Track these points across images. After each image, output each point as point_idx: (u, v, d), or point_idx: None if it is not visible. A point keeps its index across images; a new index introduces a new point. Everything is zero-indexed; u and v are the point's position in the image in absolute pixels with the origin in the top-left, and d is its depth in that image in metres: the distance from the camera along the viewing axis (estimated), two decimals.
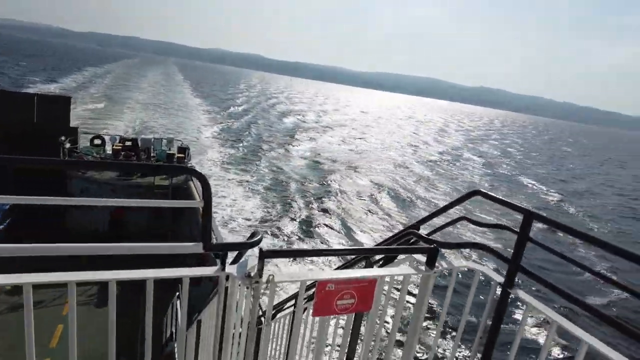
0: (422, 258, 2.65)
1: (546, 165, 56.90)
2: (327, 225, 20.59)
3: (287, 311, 4.03)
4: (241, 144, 35.98)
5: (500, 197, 2.68)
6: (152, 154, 19.32)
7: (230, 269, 2.18)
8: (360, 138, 55.09)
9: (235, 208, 20.63)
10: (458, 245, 3.02)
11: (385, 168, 35.87)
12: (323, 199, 24.07)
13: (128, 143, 18.72)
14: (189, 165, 20.28)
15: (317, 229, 20.10)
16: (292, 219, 20.49)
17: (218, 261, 2.21)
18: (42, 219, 16.30)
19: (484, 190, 2.82)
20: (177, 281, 2.08)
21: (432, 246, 2.50)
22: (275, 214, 20.74)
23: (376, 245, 2.84)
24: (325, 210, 22.39)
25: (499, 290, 2.58)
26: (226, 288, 2.19)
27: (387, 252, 2.92)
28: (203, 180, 1.99)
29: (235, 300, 2.21)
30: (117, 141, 18.66)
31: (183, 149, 19.86)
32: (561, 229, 2.26)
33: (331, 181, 28.07)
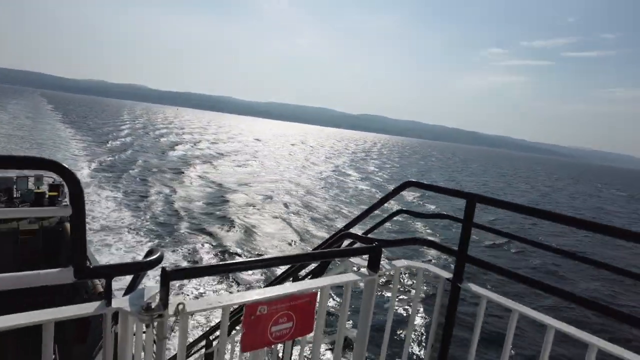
0: (361, 261, 2.36)
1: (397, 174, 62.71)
2: (243, 244, 19.46)
3: (206, 350, 3.31)
4: (126, 178, 32.84)
5: (437, 185, 2.54)
6: (14, 195, 16.41)
7: (120, 302, 1.47)
8: (255, 163, 54.70)
9: (125, 251, 18.21)
10: (402, 242, 2.78)
11: (286, 187, 35.94)
12: (231, 221, 22.87)
13: None
14: (64, 204, 17.64)
15: (232, 248, 18.72)
16: (195, 249, 18.80)
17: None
18: None
19: (417, 180, 2.68)
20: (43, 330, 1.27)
21: (374, 245, 2.21)
22: (174, 247, 18.90)
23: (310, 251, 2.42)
24: (235, 229, 21.29)
25: (448, 286, 2.41)
26: (115, 333, 1.50)
27: (325, 256, 2.38)
28: (69, 175, 1.25)
29: (131, 346, 1.47)
30: None
31: (56, 187, 17.24)
32: (506, 207, 2.18)
33: (235, 205, 26.94)
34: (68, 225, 15.41)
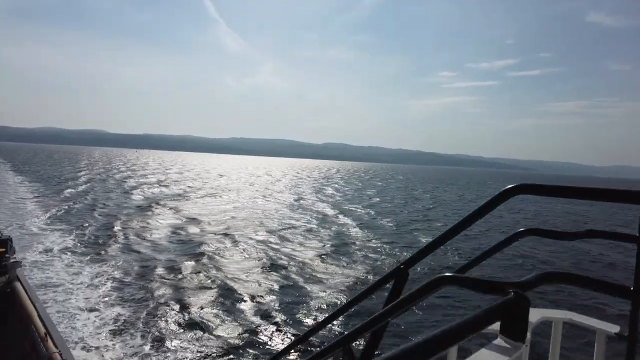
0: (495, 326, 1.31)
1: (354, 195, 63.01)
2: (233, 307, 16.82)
3: None
4: (87, 228, 30.18)
5: (588, 187, 1.61)
6: None
7: None
8: (225, 198, 52.75)
9: (89, 314, 15.73)
10: (541, 280, 1.66)
11: (255, 218, 34.25)
12: (212, 272, 20.79)
13: None
14: (12, 260, 15.45)
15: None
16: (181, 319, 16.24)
17: None
18: None
19: (534, 183, 1.85)
20: None
21: (511, 295, 1.21)
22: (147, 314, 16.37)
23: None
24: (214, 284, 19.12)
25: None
26: None
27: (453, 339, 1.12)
28: None
29: None
30: None
31: (3, 242, 15.12)
32: None
33: (217, 246, 24.97)
34: (20, 285, 13.32)
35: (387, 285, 2.22)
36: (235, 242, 27.47)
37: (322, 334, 13.60)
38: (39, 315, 11.61)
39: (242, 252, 25.14)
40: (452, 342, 1.08)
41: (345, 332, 2.01)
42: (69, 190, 53.03)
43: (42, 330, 10.75)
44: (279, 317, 16.18)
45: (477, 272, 2.31)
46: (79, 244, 24.68)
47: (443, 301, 16.90)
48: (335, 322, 14.84)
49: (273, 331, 14.84)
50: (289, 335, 14.43)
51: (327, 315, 2.83)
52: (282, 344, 13.95)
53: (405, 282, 2.07)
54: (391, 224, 38.65)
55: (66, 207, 38.80)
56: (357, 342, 2.05)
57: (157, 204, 45.36)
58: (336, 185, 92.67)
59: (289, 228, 33.90)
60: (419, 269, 22.08)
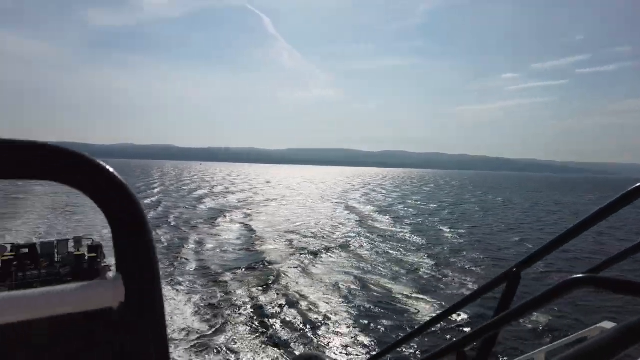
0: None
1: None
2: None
3: None
4: (162, 234, 32.72)
5: None
6: (55, 260, 16.27)
7: None
8: (296, 208, 54.33)
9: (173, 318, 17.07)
10: None
11: (344, 232, 35.04)
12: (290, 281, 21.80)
13: (24, 250, 15.60)
14: (103, 265, 17.39)
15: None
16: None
17: None
18: None
19: None
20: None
21: None
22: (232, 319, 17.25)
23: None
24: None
25: None
26: None
27: None
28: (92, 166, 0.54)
29: None
30: (8, 250, 15.48)
31: (95, 247, 17.10)
32: None
33: (296, 254, 26.13)
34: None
35: (493, 289, 2.13)
36: (316, 246, 28.59)
37: (428, 335, 14.00)
38: None
39: (336, 256, 26.26)
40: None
41: (456, 337, 1.91)
42: (147, 200, 57.68)
43: None
44: (381, 314, 17.00)
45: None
46: (159, 248, 26.92)
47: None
48: (441, 325, 14.58)
49: (377, 328, 15.83)
50: (394, 332, 15.08)
51: (433, 316, 2.81)
52: (387, 341, 14.61)
53: (517, 285, 1.92)
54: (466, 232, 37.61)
55: (153, 213, 42.36)
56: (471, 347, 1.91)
57: (225, 211, 47.98)
58: (392, 194, 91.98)
59: (337, 233, 34.32)
60: (531, 271, 21.95)
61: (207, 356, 13.43)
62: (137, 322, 0.53)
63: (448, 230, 39.96)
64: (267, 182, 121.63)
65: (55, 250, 16.60)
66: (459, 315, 15.75)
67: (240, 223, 40.01)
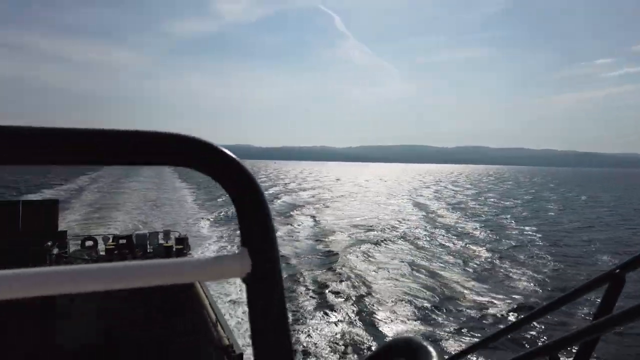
0: None
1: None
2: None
3: None
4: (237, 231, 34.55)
5: None
6: (148, 250, 17.99)
7: None
8: (364, 204, 54.44)
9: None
10: None
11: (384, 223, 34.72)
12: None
13: (122, 241, 17.45)
14: (189, 256, 18.89)
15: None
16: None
17: None
18: (26, 337, 14.66)
19: None
20: None
21: None
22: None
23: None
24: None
25: None
26: None
27: None
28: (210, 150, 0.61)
29: None
30: (110, 240, 17.42)
31: (181, 240, 18.59)
32: None
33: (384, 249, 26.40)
34: (198, 283, 16.24)
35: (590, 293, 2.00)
36: (397, 240, 28.70)
37: (517, 334, 13.90)
38: (210, 304, 14.02)
39: (413, 251, 26.33)
40: None
41: (547, 340, 1.79)
42: (224, 197, 61.16)
43: (214, 317, 13.02)
44: (460, 312, 17.19)
45: None
46: (230, 245, 28.71)
47: None
48: (530, 325, 14.40)
49: (465, 324, 15.89)
50: (481, 329, 15.08)
51: (522, 316, 2.72)
52: (473, 338, 14.68)
53: (621, 288, 1.76)
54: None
55: (223, 210, 45.06)
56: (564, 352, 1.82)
57: (297, 207, 49.37)
58: (468, 192, 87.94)
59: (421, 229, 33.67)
60: (635, 275, 20.46)
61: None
62: (263, 291, 0.58)
63: (519, 227, 37.94)
64: (337, 180, 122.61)
65: (148, 242, 18.25)
66: (547, 317, 14.76)
67: (311, 217, 40.94)
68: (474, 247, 28.94)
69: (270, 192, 72.64)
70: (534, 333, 14.32)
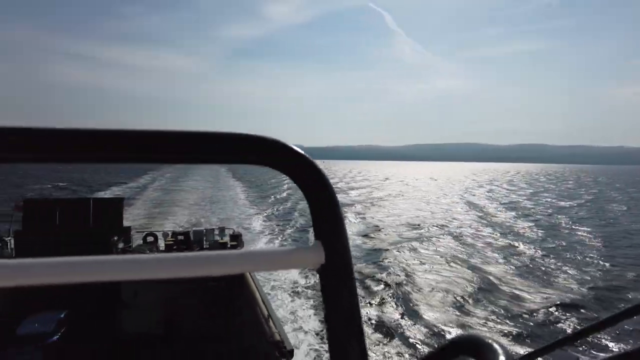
0: None
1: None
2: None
3: None
4: (291, 227, 35.18)
5: None
6: (204, 245, 18.74)
7: None
8: (412, 204, 53.40)
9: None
10: None
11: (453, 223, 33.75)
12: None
13: (180, 237, 18.36)
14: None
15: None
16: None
17: None
18: (95, 323, 15.85)
19: None
20: None
21: None
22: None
23: None
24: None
25: None
26: None
27: None
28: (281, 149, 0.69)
29: None
30: (170, 236, 18.37)
31: (235, 237, 19.19)
32: None
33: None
34: (248, 273, 16.72)
35: None
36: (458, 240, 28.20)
37: (591, 339, 13.64)
38: (262, 300, 14.36)
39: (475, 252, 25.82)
40: None
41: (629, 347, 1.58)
42: (278, 195, 62.47)
43: (265, 312, 13.34)
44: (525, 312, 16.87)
45: None
46: (281, 241, 29.35)
47: None
48: (606, 330, 14.39)
49: (525, 325, 15.72)
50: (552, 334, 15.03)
51: (591, 323, 2.53)
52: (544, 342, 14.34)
53: None
54: None
55: (275, 210, 46.07)
56: None
57: (346, 205, 49.33)
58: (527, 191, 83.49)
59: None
60: None
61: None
62: (335, 281, 0.63)
63: (573, 228, 35.58)
64: (386, 179, 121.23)
65: (204, 238, 18.97)
66: (623, 323, 13.94)
67: (360, 216, 40.76)
68: (523, 247, 28.05)
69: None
70: (609, 339, 13.67)
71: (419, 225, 37.14)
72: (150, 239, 18.22)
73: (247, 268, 0.63)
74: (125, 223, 19.34)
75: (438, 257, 25.21)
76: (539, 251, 27.25)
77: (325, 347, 14.90)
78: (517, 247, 28.41)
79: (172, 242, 17.66)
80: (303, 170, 0.67)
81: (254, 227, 34.79)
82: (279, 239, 30.57)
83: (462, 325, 15.65)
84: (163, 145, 0.58)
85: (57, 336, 14.56)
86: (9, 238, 17.75)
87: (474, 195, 71.20)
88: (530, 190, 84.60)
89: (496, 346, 0.55)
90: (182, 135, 0.57)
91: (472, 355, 0.57)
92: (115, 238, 16.66)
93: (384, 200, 61.16)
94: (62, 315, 15.24)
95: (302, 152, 0.66)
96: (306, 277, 21.16)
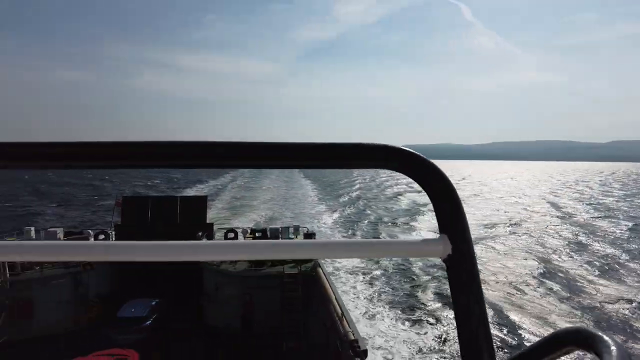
0: None
1: None
2: None
3: None
4: (363, 228, 35.18)
5: None
6: None
7: None
8: (489, 206, 50.61)
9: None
10: None
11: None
12: None
13: (258, 234, 19.37)
14: None
15: None
16: None
17: None
18: (182, 313, 17.47)
19: None
20: None
21: None
22: None
23: None
24: None
25: None
26: None
27: None
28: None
29: None
30: (248, 233, 19.39)
31: (309, 235, 19.70)
32: None
33: None
34: (321, 271, 16.98)
35: None
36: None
37: None
38: (336, 298, 14.53)
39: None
40: None
41: None
42: (346, 197, 62.81)
43: (339, 311, 13.47)
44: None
45: None
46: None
47: None
48: None
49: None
50: None
51: None
52: None
53: None
54: None
55: (345, 210, 46.34)
56: None
57: (420, 206, 47.99)
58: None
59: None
60: None
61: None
62: (463, 273, 0.72)
63: None
64: (462, 179, 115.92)
65: (280, 235, 19.70)
66: None
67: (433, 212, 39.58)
68: (608, 250, 25.42)
69: (389, 192, 72.09)
70: None
71: (489, 224, 35.23)
72: (230, 235, 19.34)
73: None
74: (208, 220, 20.81)
75: (496, 253, 23.94)
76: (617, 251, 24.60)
77: (395, 347, 14.87)
78: (593, 248, 25.64)
79: (251, 239, 18.60)
80: (426, 172, 0.75)
81: (325, 224, 35.37)
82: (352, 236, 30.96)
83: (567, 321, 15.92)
84: (331, 154, 0.74)
85: (150, 321, 16.17)
86: (111, 230, 20.18)
87: (554, 195, 65.52)
88: (624, 192, 75.47)
89: (606, 337, 0.56)
90: (338, 146, 0.72)
91: (580, 346, 0.59)
92: (200, 234, 17.93)
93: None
94: (154, 303, 16.94)
95: (425, 157, 0.74)
96: (370, 284, 21.09)
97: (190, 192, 59.51)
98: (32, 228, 19.23)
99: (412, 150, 0.75)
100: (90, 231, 20.53)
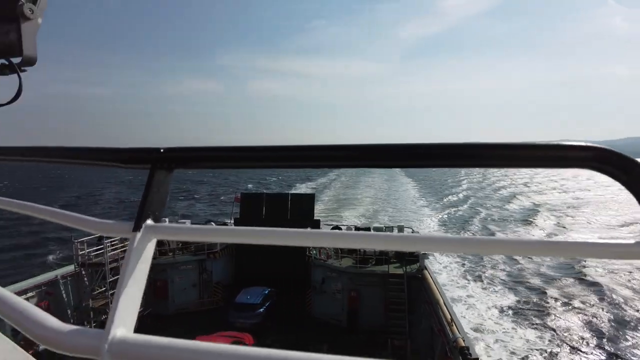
0: None
1: None
2: None
3: None
4: (470, 230, 33.46)
5: None
6: None
7: None
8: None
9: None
10: None
11: None
12: None
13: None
14: (421, 252, 19.51)
15: None
16: None
17: None
18: (291, 303, 18.78)
19: None
20: None
21: None
22: None
23: None
24: None
25: None
26: None
27: None
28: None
29: None
30: (353, 230, 19.90)
31: None
32: None
33: None
34: (427, 273, 16.61)
35: None
36: None
37: None
38: (444, 302, 14.09)
39: None
40: None
41: None
42: (454, 197, 60.10)
43: (448, 316, 13.05)
44: None
45: None
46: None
47: None
48: None
49: None
50: None
51: None
52: None
53: None
54: None
55: (451, 210, 44.42)
56: None
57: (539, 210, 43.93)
58: None
59: None
60: None
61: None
62: None
63: None
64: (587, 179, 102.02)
65: None
66: None
67: (556, 223, 35.75)
68: None
69: (502, 193, 66.98)
70: None
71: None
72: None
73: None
74: (316, 216, 21.87)
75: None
76: None
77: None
78: None
79: None
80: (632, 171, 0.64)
81: (428, 227, 34.37)
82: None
83: None
84: (507, 154, 0.70)
85: (263, 308, 17.60)
86: (230, 222, 22.55)
87: None
88: None
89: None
90: (516, 146, 0.68)
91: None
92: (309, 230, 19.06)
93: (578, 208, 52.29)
94: (267, 292, 18.40)
95: (622, 153, 0.65)
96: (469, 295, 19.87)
97: (301, 187, 62.93)
98: (167, 219, 22.34)
99: (617, 151, 0.65)
100: (213, 223, 23.14)
